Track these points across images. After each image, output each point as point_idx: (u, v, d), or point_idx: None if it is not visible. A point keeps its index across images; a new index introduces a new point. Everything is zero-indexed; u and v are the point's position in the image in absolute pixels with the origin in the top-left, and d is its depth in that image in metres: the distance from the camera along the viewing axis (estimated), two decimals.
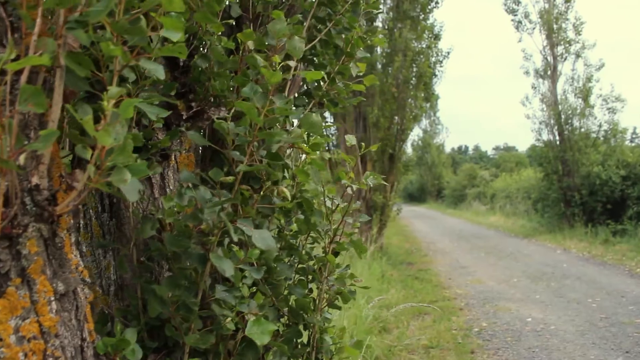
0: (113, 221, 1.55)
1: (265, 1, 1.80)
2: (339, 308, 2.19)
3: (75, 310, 1.12)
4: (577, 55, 16.18)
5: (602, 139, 15.96)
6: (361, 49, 2.12)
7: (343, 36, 2.11)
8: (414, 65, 11.92)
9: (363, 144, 2.30)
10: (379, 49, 12.17)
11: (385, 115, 11.61)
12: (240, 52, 1.63)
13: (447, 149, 69.37)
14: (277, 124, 1.56)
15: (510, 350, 5.51)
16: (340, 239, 2.10)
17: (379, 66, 12.10)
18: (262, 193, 1.56)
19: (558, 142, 16.27)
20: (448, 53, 13.84)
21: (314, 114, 1.60)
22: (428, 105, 44.92)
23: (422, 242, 16.55)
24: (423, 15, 12.19)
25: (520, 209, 22.97)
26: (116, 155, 0.93)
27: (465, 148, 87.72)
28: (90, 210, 1.55)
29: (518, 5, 16.75)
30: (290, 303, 1.97)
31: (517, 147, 63.85)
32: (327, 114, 12.64)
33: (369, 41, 2.19)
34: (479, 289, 8.87)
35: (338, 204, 2.08)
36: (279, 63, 1.42)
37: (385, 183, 2.22)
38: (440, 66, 13.37)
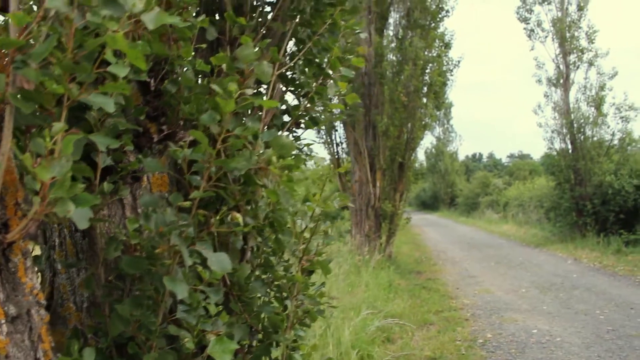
0: (85, 240, 1.60)
1: (241, 25, 1.85)
2: (308, 326, 2.21)
3: (29, 331, 1.16)
4: (590, 64, 16.09)
5: (615, 147, 15.80)
6: (341, 68, 2.16)
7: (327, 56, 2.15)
8: (425, 74, 11.94)
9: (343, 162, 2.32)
10: (390, 56, 12.23)
11: (395, 124, 11.62)
12: (214, 75, 1.68)
13: (461, 157, 69.01)
14: (249, 145, 1.60)
15: None
16: (314, 258, 2.13)
17: (389, 75, 12.11)
18: (217, 217, 1.59)
19: (570, 151, 16.15)
20: (459, 62, 13.87)
21: (284, 136, 1.64)
22: (439, 113, 44.93)
23: (433, 251, 16.49)
24: (433, 24, 12.21)
25: (532, 218, 22.81)
26: (56, 189, 0.98)
27: (479, 155, 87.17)
28: (65, 229, 1.60)
29: (530, 13, 16.74)
30: (262, 320, 2.00)
31: (532, 155, 63.43)
32: (337, 123, 12.63)
33: (349, 61, 2.22)
34: (487, 299, 8.83)
35: (307, 225, 2.10)
36: (237, 90, 1.46)
37: (351, 205, 2.25)
38: (451, 74, 13.37)
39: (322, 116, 2.27)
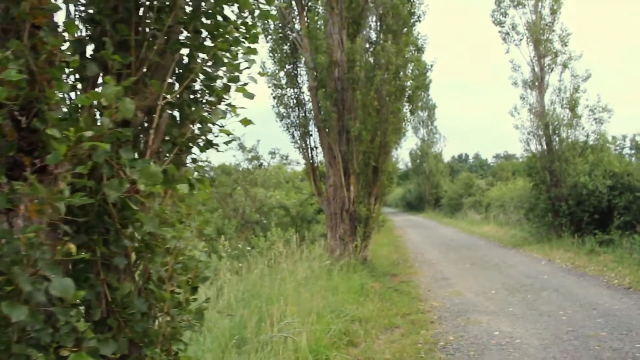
0: None
1: (120, 62, 1.89)
2: (182, 342, 2.26)
3: None
4: (564, 66, 16.32)
5: (589, 149, 16.01)
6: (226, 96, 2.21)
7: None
8: (398, 78, 12.04)
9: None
10: (362, 61, 12.30)
11: (368, 129, 11.71)
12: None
13: (447, 157, 69.28)
14: (121, 173, 1.65)
15: None
16: (194, 276, 2.19)
17: (363, 79, 12.20)
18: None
19: (546, 153, 16.35)
20: (432, 65, 13.98)
21: (152, 164, 1.69)
22: (422, 114, 44.91)
23: (411, 253, 16.59)
24: (406, 29, 12.33)
25: (513, 219, 23.02)
26: None
27: (465, 156, 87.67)
28: None
29: (505, 17, 16.93)
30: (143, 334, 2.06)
31: (518, 155, 63.93)
32: (311, 128, 12.63)
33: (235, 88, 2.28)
34: (456, 301, 8.93)
35: (175, 246, 2.15)
36: (76, 131, 1.51)
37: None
38: (424, 78, 13.47)
39: (217, 136, 2.32)
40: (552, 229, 16.20)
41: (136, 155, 1.98)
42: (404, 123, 13.20)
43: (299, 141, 12.63)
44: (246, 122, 2.22)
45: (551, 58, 16.33)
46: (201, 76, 2.17)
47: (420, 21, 12.49)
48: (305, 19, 12.42)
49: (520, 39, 16.74)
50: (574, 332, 6.59)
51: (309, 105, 12.71)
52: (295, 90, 12.72)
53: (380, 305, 8.61)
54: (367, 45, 12.55)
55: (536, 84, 16.77)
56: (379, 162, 12.28)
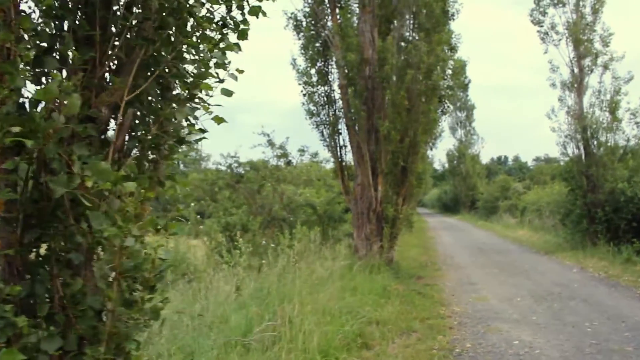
0: None
1: (81, 58, 1.88)
2: (135, 341, 2.24)
3: None
4: (605, 68, 15.76)
5: (629, 154, 15.43)
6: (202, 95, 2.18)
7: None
8: (429, 77, 11.84)
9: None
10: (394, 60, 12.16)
11: (397, 128, 11.57)
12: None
13: (486, 159, 68.04)
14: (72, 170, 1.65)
15: None
16: (150, 275, 2.16)
17: (394, 78, 12.06)
18: None
19: (583, 157, 15.85)
20: (464, 65, 13.70)
21: (103, 162, 1.68)
22: (460, 115, 44.31)
23: (441, 255, 16.37)
24: (438, 28, 12.12)
25: (548, 224, 22.43)
26: None
27: (504, 158, 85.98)
28: None
29: (544, 16, 16.44)
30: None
31: (559, 158, 62.20)
32: (340, 126, 12.60)
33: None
34: (478, 307, 8.75)
35: (126, 246, 2.12)
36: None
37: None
38: (457, 78, 13.22)
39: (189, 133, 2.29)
40: (587, 236, 15.69)
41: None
42: (439, 123, 12.97)
43: (327, 139, 12.57)
44: (219, 120, 2.19)
45: (591, 59, 15.80)
46: (170, 73, 2.14)
47: (453, 19, 12.27)
48: (338, 16, 12.35)
49: (560, 39, 16.25)
50: (598, 346, 6.35)
51: (339, 104, 12.64)
52: (326, 88, 12.67)
53: (401, 308, 8.49)
54: (400, 44, 12.38)
55: (575, 85, 16.25)
56: (408, 162, 12.12)
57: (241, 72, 2.26)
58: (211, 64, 2.16)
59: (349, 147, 12.46)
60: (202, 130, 2.28)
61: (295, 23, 12.81)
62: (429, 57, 11.66)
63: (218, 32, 2.19)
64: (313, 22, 12.79)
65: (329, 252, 11.25)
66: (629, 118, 15.38)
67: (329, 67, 12.69)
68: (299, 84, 12.47)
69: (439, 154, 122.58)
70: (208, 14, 2.17)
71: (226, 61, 2.18)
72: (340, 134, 12.66)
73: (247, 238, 10.02)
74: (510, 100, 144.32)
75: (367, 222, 11.93)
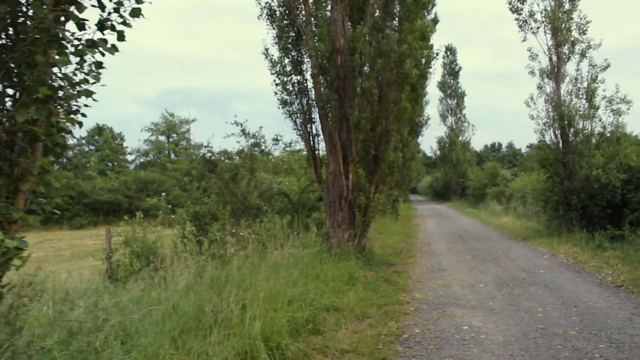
0: None
1: None
2: None
3: None
4: (582, 55, 15.80)
5: (605, 142, 15.52)
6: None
7: None
8: (401, 66, 11.87)
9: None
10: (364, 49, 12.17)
11: (367, 117, 11.63)
12: None
13: (479, 146, 67.86)
14: None
15: (423, 359, 5.56)
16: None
17: (364, 68, 12.09)
18: None
19: (560, 144, 15.94)
20: (437, 54, 13.71)
21: None
22: (451, 102, 44.14)
23: (419, 243, 16.52)
24: (411, 16, 12.13)
25: (532, 211, 22.58)
26: None
27: (498, 145, 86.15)
28: None
29: (523, 4, 16.41)
30: None
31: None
32: (314, 115, 12.60)
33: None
34: (440, 293, 8.88)
35: None
36: None
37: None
38: (429, 67, 13.24)
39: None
40: (563, 223, 15.83)
41: None
42: (424, 112, 12.97)
43: (300, 128, 12.62)
44: (70, 120, 2.27)
45: (569, 47, 15.83)
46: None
47: (427, 9, 12.24)
48: (310, 5, 12.35)
49: (538, 27, 16.25)
50: (543, 330, 6.49)
51: (313, 93, 12.67)
52: (299, 77, 12.68)
53: (363, 294, 8.63)
54: (372, 33, 12.39)
55: (554, 73, 16.29)
56: (380, 150, 12.19)
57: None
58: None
59: (321, 136, 12.51)
60: (66, 131, 2.35)
61: (269, 12, 12.79)
62: (400, 46, 11.71)
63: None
64: (287, 11, 12.77)
65: (299, 240, 11.36)
66: (605, 105, 15.45)
67: (302, 56, 12.69)
68: (272, 74, 12.47)
69: (430, 141, 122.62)
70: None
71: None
72: (314, 122, 12.70)
73: (217, 227, 10.09)
74: (507, 87, 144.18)
75: (339, 210, 12.04)
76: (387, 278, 10.19)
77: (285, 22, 12.75)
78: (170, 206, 11.27)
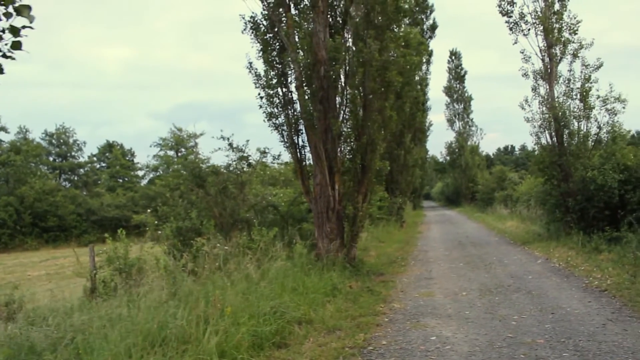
0: None
1: None
2: None
3: None
4: (574, 56, 15.64)
5: (602, 142, 15.30)
6: None
7: None
8: (383, 75, 11.84)
9: None
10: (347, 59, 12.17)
11: (351, 127, 11.62)
12: None
13: (492, 150, 67.38)
14: None
15: None
16: None
17: (347, 77, 12.09)
18: None
19: (556, 147, 15.75)
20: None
21: None
22: (458, 107, 43.92)
23: (416, 251, 16.41)
24: (393, 25, 12.14)
25: (536, 214, 22.30)
26: None
27: (511, 148, 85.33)
28: None
29: (513, 6, 16.31)
30: None
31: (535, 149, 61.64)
32: (301, 127, 12.55)
33: None
34: (420, 303, 8.79)
35: None
36: None
37: None
38: (412, 75, 13.19)
39: None
40: (562, 226, 15.61)
41: None
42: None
43: (287, 140, 12.63)
44: None
45: (560, 48, 15.68)
46: None
47: (406, 15, 12.21)
48: (294, 17, 12.41)
49: (529, 29, 16.13)
50: (512, 339, 6.38)
51: (298, 105, 12.70)
52: (284, 89, 12.71)
53: (342, 306, 8.58)
54: (355, 42, 12.40)
55: (547, 75, 16.14)
56: (366, 160, 12.15)
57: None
58: None
59: (308, 148, 12.52)
60: None
61: (252, 26, 12.85)
62: (381, 55, 11.69)
63: None
64: (270, 25, 12.84)
65: (284, 252, 11.35)
66: (599, 105, 15.25)
67: (287, 68, 12.74)
68: (256, 87, 12.52)
69: (440, 146, 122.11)
70: None
71: None
72: (300, 134, 12.70)
73: (202, 242, 10.13)
74: (520, 89, 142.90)
75: (327, 220, 12.00)
76: (372, 288, 10.10)
77: (269, 35, 12.82)
78: (156, 222, 11.35)
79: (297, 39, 12.15)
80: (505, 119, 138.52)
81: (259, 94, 12.59)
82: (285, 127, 12.63)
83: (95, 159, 54.80)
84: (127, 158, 54.09)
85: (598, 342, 6.05)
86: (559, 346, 5.98)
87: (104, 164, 54.77)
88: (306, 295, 8.68)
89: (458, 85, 44.70)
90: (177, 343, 5.77)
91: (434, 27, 28.15)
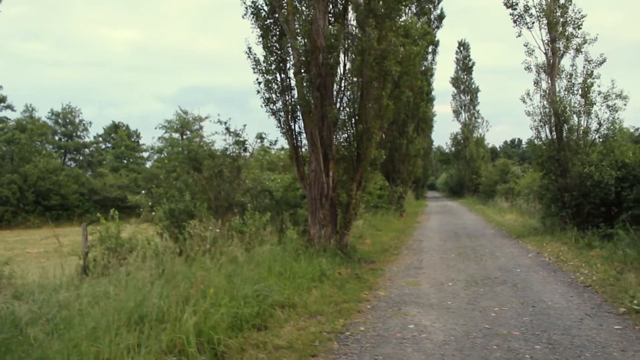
0: None
1: None
2: None
3: None
4: (577, 50, 15.53)
5: (601, 138, 15.24)
6: None
7: None
8: (381, 64, 11.83)
9: None
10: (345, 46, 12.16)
11: (347, 115, 11.64)
12: None
13: (499, 143, 66.86)
14: None
15: (354, 357, 5.59)
16: None
17: (347, 65, 12.09)
18: None
19: (555, 141, 15.71)
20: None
21: None
22: (465, 98, 43.72)
23: (411, 240, 16.48)
24: (393, 14, 12.08)
25: (535, 208, 22.28)
26: None
27: (518, 141, 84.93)
28: None
29: None
30: None
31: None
32: (298, 113, 12.66)
33: None
34: (405, 291, 8.87)
35: None
36: None
37: None
38: (411, 64, 13.13)
39: None
40: (558, 221, 15.61)
41: None
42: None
43: (283, 125, 12.67)
44: None
45: (564, 42, 15.56)
46: None
47: (407, 5, 12.16)
48: (295, 2, 12.38)
49: (533, 22, 16.02)
50: (488, 330, 6.45)
51: (296, 91, 12.71)
52: (283, 75, 12.72)
53: (328, 291, 8.67)
54: (355, 30, 12.38)
55: (549, 68, 16.05)
56: (362, 148, 12.18)
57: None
58: None
59: (304, 134, 12.54)
60: None
61: (253, 11, 12.84)
62: (379, 44, 11.67)
63: None
64: (271, 10, 12.82)
65: (276, 237, 11.47)
66: (600, 101, 15.16)
67: (286, 54, 12.73)
68: (254, 72, 12.54)
69: (447, 137, 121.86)
70: None
71: None
72: (297, 120, 12.73)
73: (193, 224, 10.23)
74: (529, 81, 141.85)
75: (320, 207, 12.08)
76: (361, 276, 10.19)
77: (269, 20, 12.80)
78: (150, 204, 11.46)
79: (297, 25, 12.15)
80: (514, 112, 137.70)
81: (257, 79, 12.62)
82: (282, 113, 12.66)
83: (100, 139, 55.06)
84: (133, 139, 54.30)
85: (572, 336, 6.12)
86: (533, 338, 6.05)
87: (109, 145, 55.03)
88: (293, 280, 8.78)
89: (465, 77, 44.49)
90: (155, 322, 5.89)
91: (441, 17, 27.98)
